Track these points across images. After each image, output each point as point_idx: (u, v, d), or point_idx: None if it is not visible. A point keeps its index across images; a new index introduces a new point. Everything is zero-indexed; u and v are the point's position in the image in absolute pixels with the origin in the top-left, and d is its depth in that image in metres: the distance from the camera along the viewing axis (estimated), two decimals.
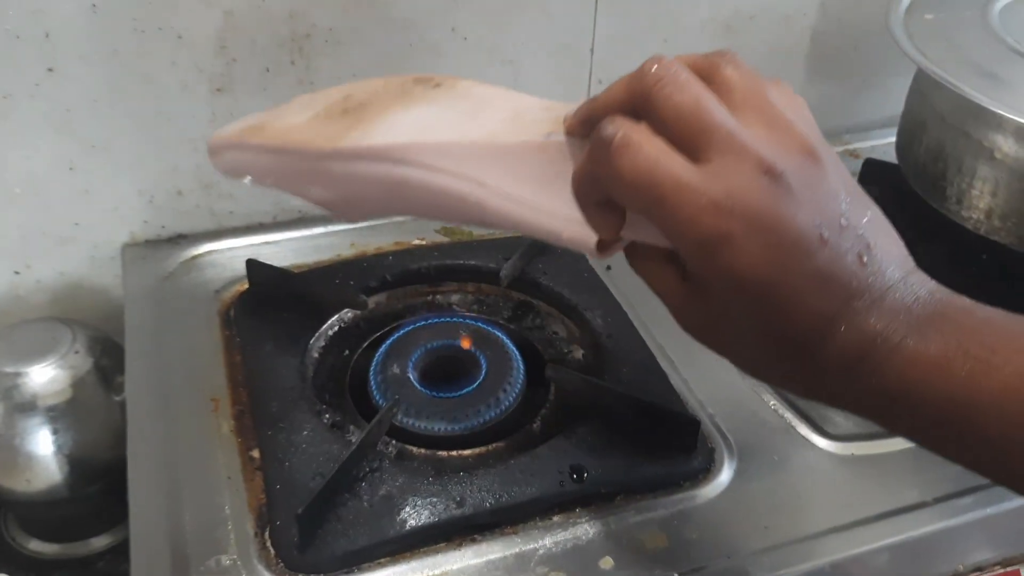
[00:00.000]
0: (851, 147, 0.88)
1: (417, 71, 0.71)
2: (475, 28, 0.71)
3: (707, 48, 0.81)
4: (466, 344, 0.62)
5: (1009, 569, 0.53)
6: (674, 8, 0.76)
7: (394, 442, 0.55)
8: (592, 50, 0.76)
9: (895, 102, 0.79)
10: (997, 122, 0.64)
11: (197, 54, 0.65)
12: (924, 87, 0.73)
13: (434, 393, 0.58)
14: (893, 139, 0.79)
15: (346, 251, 0.72)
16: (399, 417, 0.56)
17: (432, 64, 0.72)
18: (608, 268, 0.70)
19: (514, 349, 0.62)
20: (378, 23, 0.68)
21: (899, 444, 0.57)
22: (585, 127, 0.37)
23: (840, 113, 0.89)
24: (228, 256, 0.71)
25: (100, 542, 0.71)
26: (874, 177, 0.80)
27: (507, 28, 0.72)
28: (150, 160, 0.69)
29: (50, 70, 0.62)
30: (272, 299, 0.65)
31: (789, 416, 0.59)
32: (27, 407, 0.63)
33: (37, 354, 0.64)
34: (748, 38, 0.80)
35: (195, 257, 0.71)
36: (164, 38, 0.64)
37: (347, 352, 0.63)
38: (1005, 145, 0.64)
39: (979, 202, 0.67)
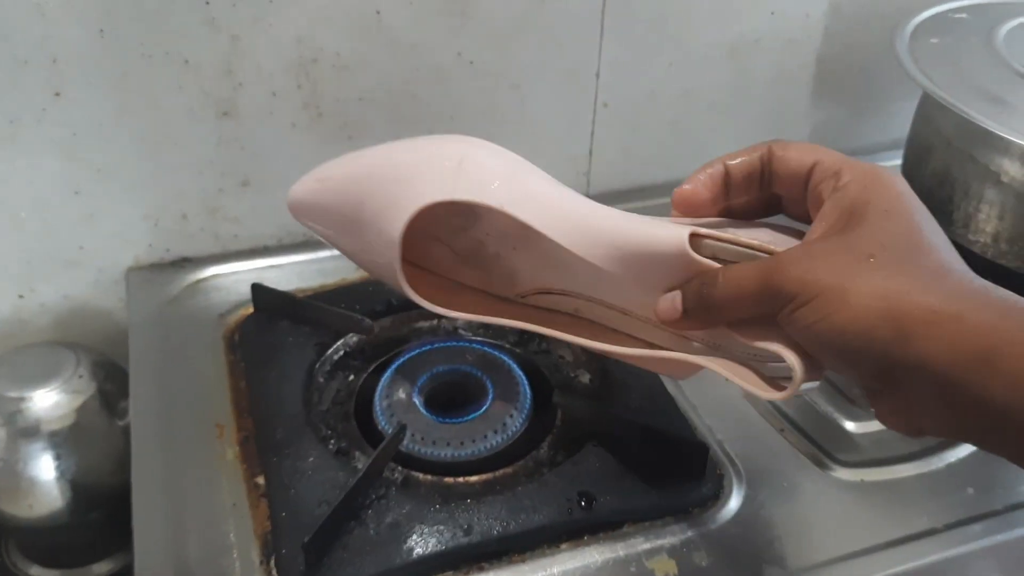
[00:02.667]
0: None
1: (423, 95, 0.72)
2: (481, 53, 0.71)
3: (713, 72, 0.82)
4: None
5: None
6: (679, 32, 0.76)
7: (400, 468, 0.55)
8: (598, 74, 0.76)
9: (900, 125, 0.79)
10: (1004, 146, 0.64)
11: (203, 78, 0.65)
12: (930, 111, 0.73)
13: (440, 419, 0.58)
14: (898, 162, 0.79)
15: (351, 275, 0.72)
16: (405, 443, 0.56)
17: (438, 88, 0.72)
18: None
19: (521, 374, 0.61)
20: (384, 48, 0.68)
21: (909, 471, 0.57)
22: None
23: (846, 136, 0.89)
24: (233, 280, 0.71)
25: (101, 568, 0.71)
26: None
27: (513, 52, 0.72)
28: (155, 184, 0.69)
29: (57, 95, 0.62)
30: (277, 323, 0.64)
31: (798, 442, 0.58)
32: (30, 432, 0.63)
33: (41, 379, 0.64)
34: (753, 62, 0.81)
35: (200, 281, 0.71)
36: (171, 62, 0.64)
37: (352, 377, 0.62)
38: (1012, 169, 0.64)
39: (986, 226, 0.67)
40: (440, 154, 0.47)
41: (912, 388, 0.36)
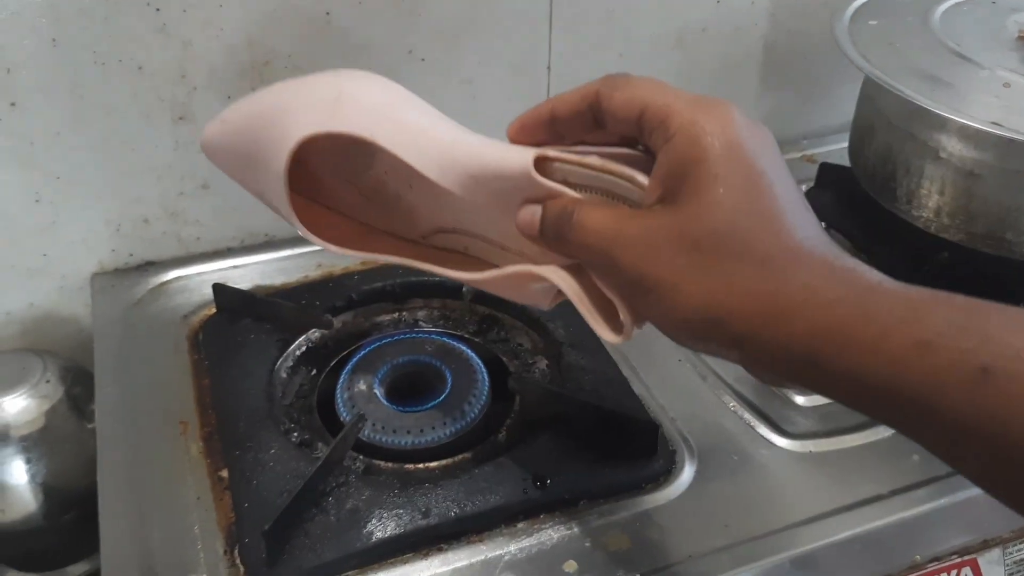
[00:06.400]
0: (808, 152, 0.90)
1: None
2: (431, 50, 0.73)
3: (662, 62, 0.83)
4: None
5: (966, 558, 0.54)
6: (626, 23, 0.78)
7: (361, 457, 0.56)
8: (549, 67, 0.78)
9: (848, 107, 0.80)
10: (940, 123, 0.66)
11: (158, 84, 0.66)
12: (871, 92, 0.75)
13: (400, 408, 0.59)
14: (846, 143, 0.81)
15: (313, 272, 0.73)
16: (366, 432, 0.57)
17: None
18: None
19: (479, 362, 0.63)
20: (335, 48, 0.70)
21: (855, 440, 0.59)
22: None
23: (795, 120, 0.91)
24: (196, 281, 0.72)
25: (77, 570, 0.72)
26: (828, 181, 0.81)
27: (463, 48, 0.74)
28: (115, 190, 0.70)
29: (12, 105, 0.63)
30: (240, 322, 0.66)
31: (748, 417, 0.60)
32: (0, 438, 0.64)
33: (8, 385, 0.65)
34: (700, 51, 0.82)
35: (163, 283, 0.72)
36: (124, 69, 0.65)
37: (314, 371, 0.64)
38: (949, 145, 0.66)
39: (928, 201, 0.69)
40: (321, 89, 0.47)
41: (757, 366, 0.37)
